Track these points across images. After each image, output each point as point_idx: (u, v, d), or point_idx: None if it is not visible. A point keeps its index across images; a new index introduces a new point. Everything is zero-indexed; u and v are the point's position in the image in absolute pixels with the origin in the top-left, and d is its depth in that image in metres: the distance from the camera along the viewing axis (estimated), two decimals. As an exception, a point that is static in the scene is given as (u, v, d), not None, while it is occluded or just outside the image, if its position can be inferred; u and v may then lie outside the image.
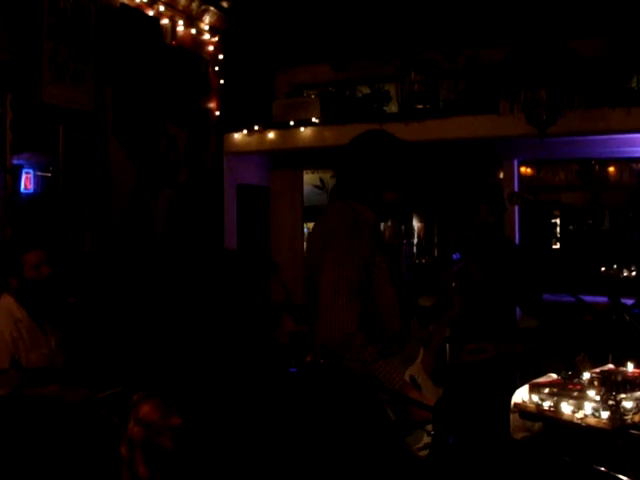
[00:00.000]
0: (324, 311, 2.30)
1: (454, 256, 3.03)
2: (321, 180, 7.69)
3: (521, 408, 2.50)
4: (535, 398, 2.48)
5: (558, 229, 6.94)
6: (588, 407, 2.30)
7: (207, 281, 1.52)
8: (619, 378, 2.42)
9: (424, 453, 2.35)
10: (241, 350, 1.44)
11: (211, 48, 6.66)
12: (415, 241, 7.40)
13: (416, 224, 7.48)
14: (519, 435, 2.49)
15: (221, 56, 6.75)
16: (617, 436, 2.22)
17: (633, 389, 2.36)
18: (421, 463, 2.33)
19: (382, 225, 7.19)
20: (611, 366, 2.70)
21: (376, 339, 2.45)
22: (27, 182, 4.79)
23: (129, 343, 4.65)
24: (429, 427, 2.35)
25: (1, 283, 3.40)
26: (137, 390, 1.46)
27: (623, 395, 2.31)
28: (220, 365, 1.44)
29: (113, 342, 4.65)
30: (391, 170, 2.58)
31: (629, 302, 3.40)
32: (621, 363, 2.68)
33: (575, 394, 2.39)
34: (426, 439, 2.36)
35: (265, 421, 1.47)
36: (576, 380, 2.54)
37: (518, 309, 4.64)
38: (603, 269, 6.44)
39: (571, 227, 6.90)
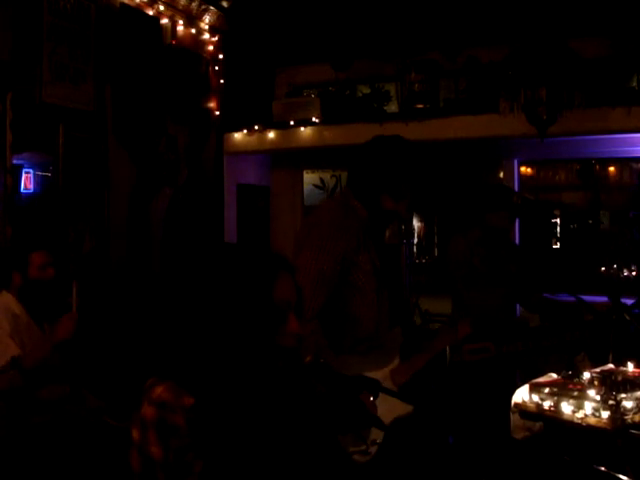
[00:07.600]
0: None
1: None
2: (321, 180, 7.69)
3: (521, 408, 2.49)
4: (535, 398, 2.47)
5: (558, 229, 6.94)
6: (588, 407, 2.30)
7: (204, 272, 1.53)
8: (619, 378, 2.42)
9: (360, 458, 2.17)
10: (235, 343, 1.44)
11: (211, 48, 6.67)
12: (415, 241, 7.40)
13: (416, 224, 7.48)
14: (519, 435, 2.48)
15: (221, 56, 6.75)
16: (617, 436, 2.22)
17: (633, 389, 2.36)
18: (354, 467, 2.16)
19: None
20: (611, 366, 2.69)
21: (345, 334, 2.42)
22: (27, 182, 4.81)
23: (133, 335, 4.65)
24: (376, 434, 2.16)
25: (4, 279, 3.39)
26: (148, 377, 1.48)
27: (623, 395, 2.30)
28: (221, 355, 1.45)
29: (112, 341, 4.66)
30: (394, 177, 2.53)
31: (629, 302, 3.39)
32: (621, 363, 2.67)
33: (575, 394, 2.38)
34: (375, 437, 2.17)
35: (266, 410, 1.48)
36: (576, 380, 2.53)
37: (518, 307, 4.64)
38: (603, 269, 6.44)
39: (571, 226, 6.91)
